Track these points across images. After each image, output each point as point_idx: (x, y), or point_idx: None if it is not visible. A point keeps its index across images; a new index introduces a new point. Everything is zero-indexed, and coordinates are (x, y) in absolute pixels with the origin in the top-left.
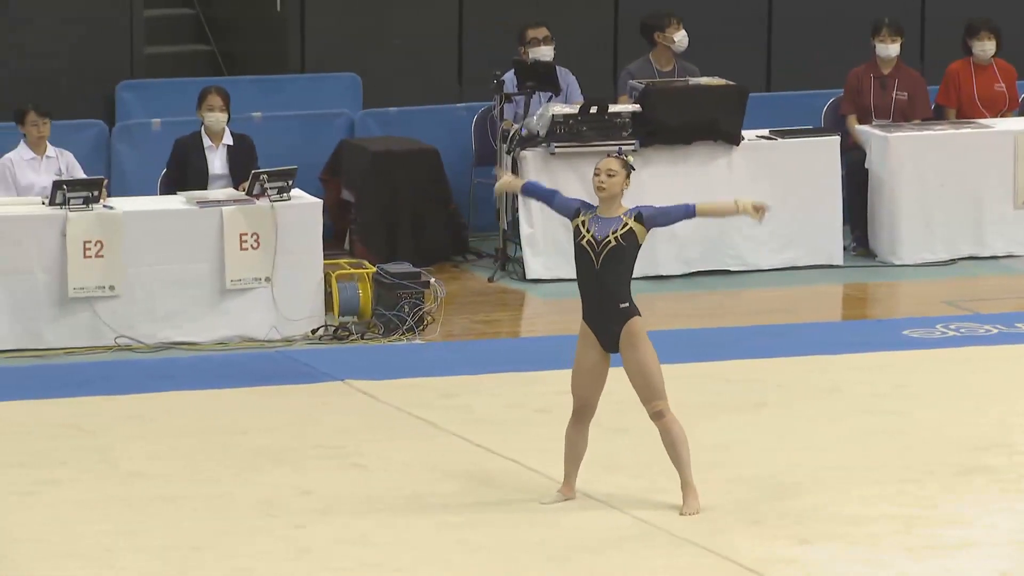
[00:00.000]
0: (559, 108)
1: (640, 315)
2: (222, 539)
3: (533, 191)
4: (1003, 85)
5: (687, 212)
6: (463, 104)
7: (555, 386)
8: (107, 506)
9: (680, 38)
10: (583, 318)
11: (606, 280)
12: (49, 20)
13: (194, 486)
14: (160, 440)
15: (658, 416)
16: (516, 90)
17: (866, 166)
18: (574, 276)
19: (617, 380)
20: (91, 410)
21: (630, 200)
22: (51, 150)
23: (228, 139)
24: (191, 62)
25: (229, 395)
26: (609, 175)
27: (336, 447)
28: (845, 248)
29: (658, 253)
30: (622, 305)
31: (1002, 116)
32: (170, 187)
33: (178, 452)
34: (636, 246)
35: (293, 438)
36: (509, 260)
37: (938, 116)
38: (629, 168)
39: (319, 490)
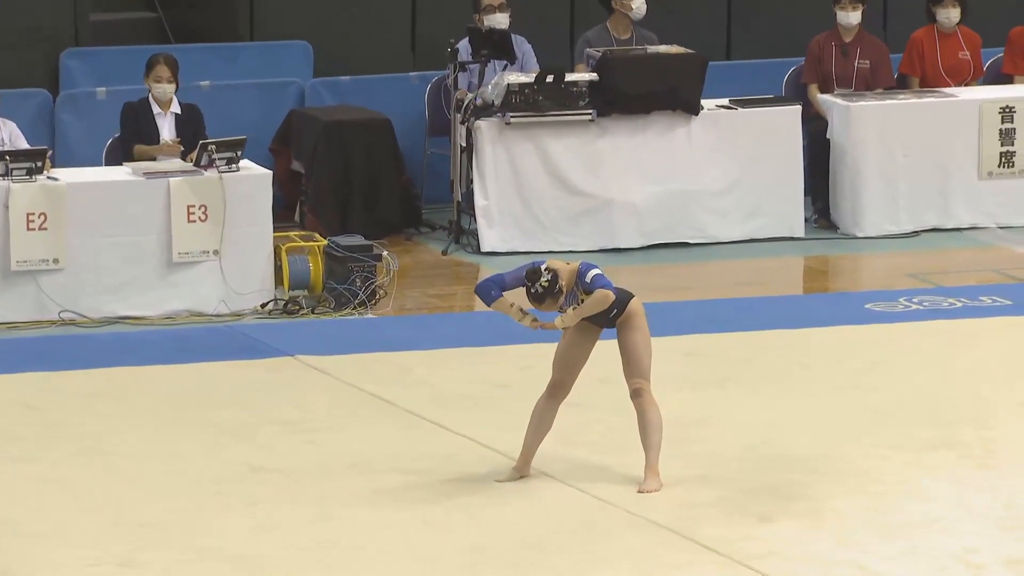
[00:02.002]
0: (515, 77)
1: (634, 295)
2: (175, 517)
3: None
4: (968, 53)
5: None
6: (416, 73)
7: (511, 362)
8: (60, 484)
9: (638, 6)
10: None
11: (593, 321)
12: None
13: (146, 463)
14: (111, 417)
15: (637, 394)
16: (470, 58)
17: (828, 136)
18: (529, 249)
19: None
20: (39, 386)
21: (587, 170)
22: None
23: (176, 108)
24: (138, 29)
25: (178, 371)
26: (552, 308)
27: (289, 424)
28: (807, 220)
29: (617, 226)
30: (611, 315)
31: (966, 85)
32: (119, 153)
33: (130, 429)
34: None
35: (245, 415)
36: (463, 232)
37: (901, 85)
38: (554, 289)
39: (274, 467)
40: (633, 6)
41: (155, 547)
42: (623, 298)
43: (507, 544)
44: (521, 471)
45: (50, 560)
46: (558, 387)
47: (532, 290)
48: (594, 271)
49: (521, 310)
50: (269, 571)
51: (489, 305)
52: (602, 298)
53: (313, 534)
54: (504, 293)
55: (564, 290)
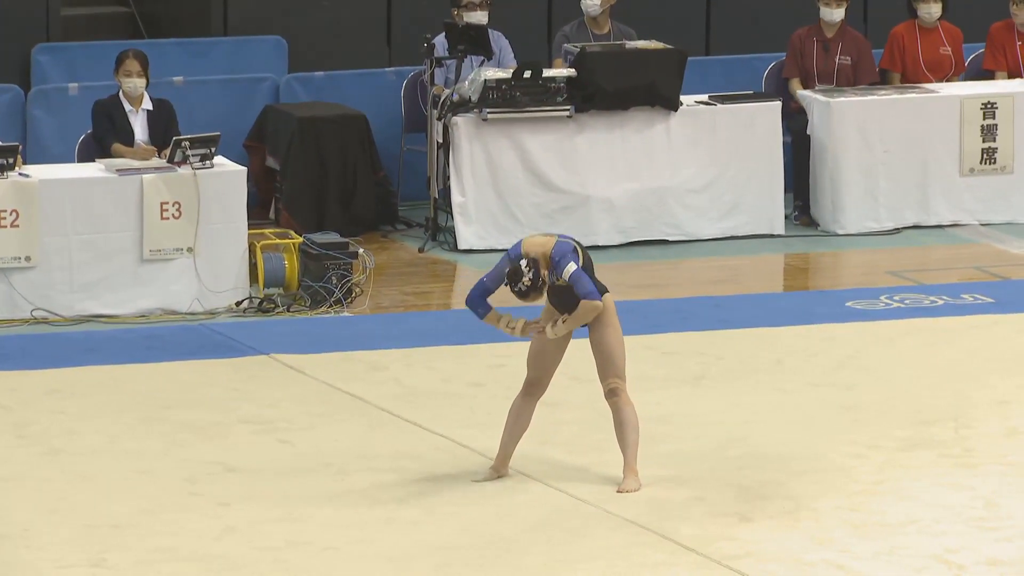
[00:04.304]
0: (492, 73)
1: (608, 291)
2: (144, 517)
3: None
4: (949, 49)
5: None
6: (392, 68)
7: (487, 360)
8: (26, 483)
9: (586, 3)
10: (548, 300)
11: (561, 299)
12: None
13: (116, 462)
14: (80, 415)
15: (612, 394)
16: (447, 54)
17: (808, 132)
18: (506, 246)
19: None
20: (8, 385)
21: (568, 167)
22: None
23: (148, 104)
24: (110, 24)
25: (151, 369)
26: (539, 299)
27: (262, 423)
28: (787, 217)
29: (594, 222)
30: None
31: (948, 81)
32: (91, 149)
33: (99, 428)
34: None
35: (218, 414)
36: (440, 230)
37: (882, 80)
38: (538, 284)
39: (244, 467)
40: (582, 3)
41: (126, 547)
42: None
43: (483, 543)
44: (499, 470)
45: (20, 562)
46: (534, 385)
47: (516, 290)
48: (569, 266)
49: (510, 323)
50: (240, 571)
51: (481, 319)
52: (591, 310)
53: (285, 534)
54: (490, 301)
55: (546, 280)
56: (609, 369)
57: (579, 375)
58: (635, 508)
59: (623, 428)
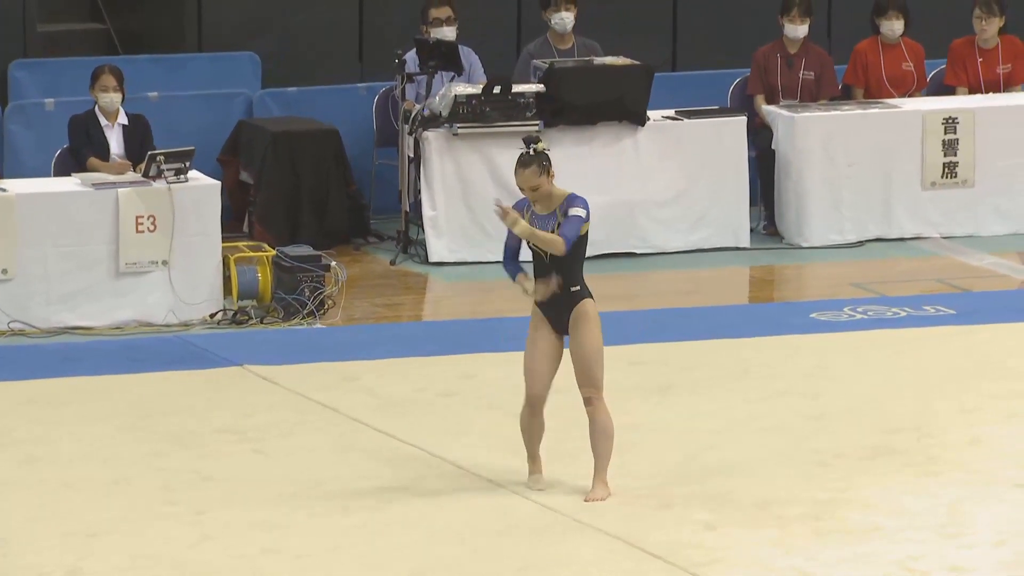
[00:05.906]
0: (462, 88)
1: (592, 297)
2: (122, 525)
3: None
4: (911, 64)
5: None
6: (364, 84)
7: (459, 370)
8: (5, 491)
9: (556, 21)
10: (535, 302)
11: (558, 269)
12: None
13: (93, 472)
14: (58, 425)
15: (588, 402)
16: (418, 69)
17: (773, 147)
18: (477, 259)
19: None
20: None
21: None
22: None
23: (123, 119)
24: (86, 40)
25: (127, 380)
26: (532, 190)
27: (237, 433)
28: (753, 230)
29: None
30: (573, 289)
31: (910, 96)
32: (68, 163)
33: (77, 437)
34: (581, 235)
35: (193, 424)
36: (411, 243)
37: (846, 96)
38: (544, 163)
39: (220, 476)
40: (552, 20)
41: (102, 556)
42: (583, 293)
43: (453, 552)
44: (534, 471)
45: None
46: (535, 399)
47: (527, 147)
48: (581, 210)
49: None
50: None
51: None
52: (551, 241)
53: (259, 542)
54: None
55: (548, 183)
56: (584, 379)
57: (555, 385)
58: (604, 516)
59: (596, 437)
